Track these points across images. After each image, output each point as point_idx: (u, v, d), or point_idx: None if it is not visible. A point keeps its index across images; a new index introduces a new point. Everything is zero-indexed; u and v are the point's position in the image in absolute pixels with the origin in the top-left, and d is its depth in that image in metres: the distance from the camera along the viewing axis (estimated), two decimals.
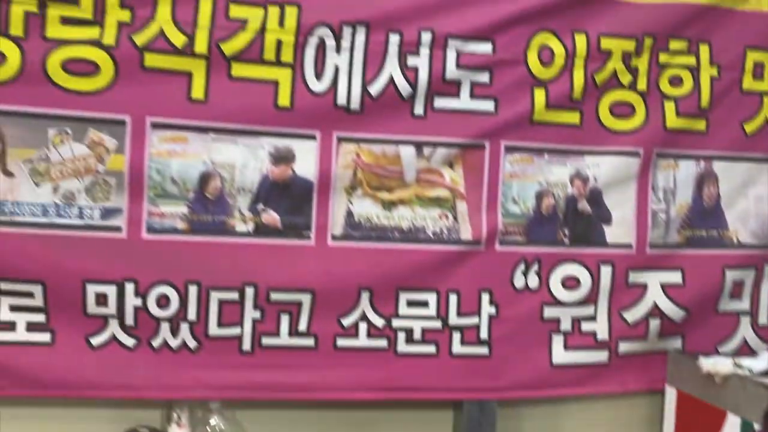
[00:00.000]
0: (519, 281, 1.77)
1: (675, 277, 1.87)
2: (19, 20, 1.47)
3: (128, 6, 1.51)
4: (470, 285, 1.75)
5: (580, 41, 1.75)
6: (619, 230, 1.84)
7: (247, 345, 1.64)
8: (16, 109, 1.50)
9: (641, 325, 1.86)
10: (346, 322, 1.69)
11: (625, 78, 1.80)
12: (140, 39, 1.52)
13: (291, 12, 1.58)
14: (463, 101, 1.73)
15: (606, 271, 1.81)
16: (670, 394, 1.83)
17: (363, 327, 1.70)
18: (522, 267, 1.78)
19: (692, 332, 1.92)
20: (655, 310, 1.86)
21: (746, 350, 1.90)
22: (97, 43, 1.50)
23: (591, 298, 1.81)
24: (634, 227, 1.85)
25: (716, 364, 1.65)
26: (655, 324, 1.86)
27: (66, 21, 1.49)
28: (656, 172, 1.87)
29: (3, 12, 1.47)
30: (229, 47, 1.56)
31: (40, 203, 1.54)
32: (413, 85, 1.68)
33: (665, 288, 1.86)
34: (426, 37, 1.66)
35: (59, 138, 1.54)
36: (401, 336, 1.73)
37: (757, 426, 1.50)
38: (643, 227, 1.86)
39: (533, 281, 1.78)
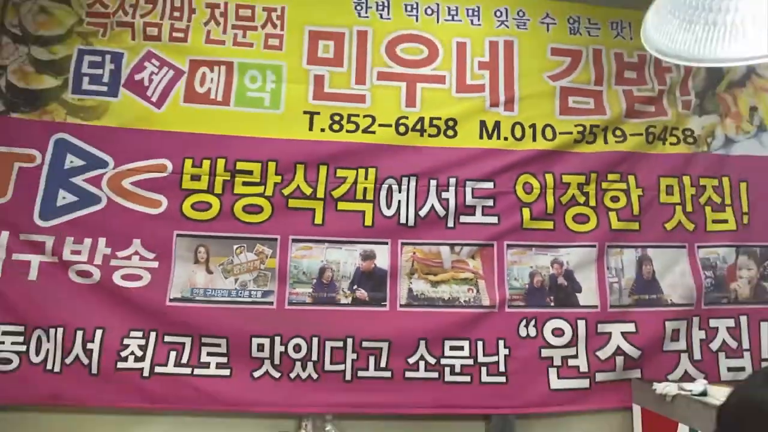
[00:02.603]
0: (523, 332, 2.05)
1: (630, 327, 2.12)
2: (219, 184, 2.05)
3: (280, 173, 2.07)
4: (491, 335, 2.04)
5: (549, 178, 2.17)
6: (588, 296, 2.14)
7: (348, 376, 1.96)
8: (217, 234, 2.03)
9: (611, 361, 2.09)
10: (411, 360, 1.99)
11: (581, 198, 2.18)
12: (286, 191, 2.06)
13: (371, 171, 2.11)
14: (478, 217, 2.14)
15: (581, 324, 2.09)
16: (636, 410, 2.04)
17: (422, 364, 1.99)
18: (524, 322, 2.06)
19: (647, 365, 2.12)
20: (619, 351, 2.09)
21: (687, 378, 2.09)
22: (262, 195, 2.05)
23: (573, 343, 2.07)
24: (597, 294, 2.14)
25: (666, 388, 1.88)
26: (620, 360, 2.09)
27: (245, 183, 2.06)
28: (608, 257, 2.19)
29: (211, 181, 2.03)
30: (336, 193, 2.08)
31: (226, 289, 2.00)
32: (446, 209, 2.11)
33: (624, 335, 2.11)
34: (452, 180, 2.13)
35: (239, 250, 2.03)
36: (447, 370, 2.00)
37: None
38: (603, 294, 2.14)
39: (532, 332, 2.06)
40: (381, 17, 2.26)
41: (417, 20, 2.27)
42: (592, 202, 2.21)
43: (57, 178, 2.00)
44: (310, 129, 2.13)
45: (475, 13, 2.31)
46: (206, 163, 2.06)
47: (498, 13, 2.32)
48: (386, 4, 2.27)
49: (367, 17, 2.25)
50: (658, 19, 1.14)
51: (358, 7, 2.26)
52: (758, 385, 0.93)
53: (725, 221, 2.27)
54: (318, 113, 2.14)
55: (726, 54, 1.08)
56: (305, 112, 2.14)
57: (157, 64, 2.14)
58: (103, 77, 2.10)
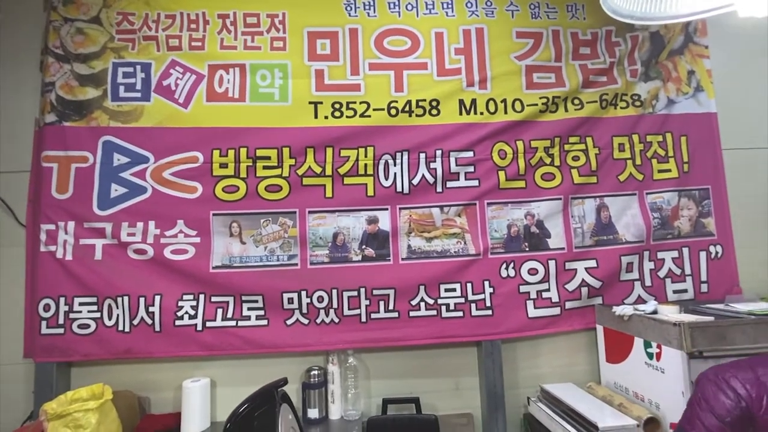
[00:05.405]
0: (504, 273, 2.22)
1: (592, 263, 2.29)
2: (244, 170, 2.17)
3: (293, 156, 2.17)
4: (477, 277, 2.20)
5: (520, 144, 2.30)
6: (556, 240, 2.29)
7: (363, 318, 2.13)
8: (246, 211, 2.17)
9: (577, 292, 2.25)
10: (413, 302, 2.16)
11: (547, 159, 2.31)
12: (300, 171, 2.18)
13: (370, 149, 2.22)
14: (462, 182, 2.27)
15: (552, 264, 2.26)
16: (599, 330, 2.21)
17: (422, 305, 2.16)
18: (504, 265, 2.23)
19: (607, 293, 2.28)
20: (584, 283, 2.26)
21: (640, 301, 2.26)
22: (280, 176, 2.17)
23: (545, 279, 2.23)
24: (564, 238, 2.29)
25: (623, 310, 2.02)
26: (585, 290, 2.25)
27: (265, 167, 2.17)
28: (572, 207, 2.33)
29: (236, 167, 2.14)
30: (342, 170, 2.20)
31: (258, 255, 2.16)
32: (435, 177, 2.24)
33: (588, 270, 2.28)
34: (438, 152, 2.24)
35: (265, 222, 2.17)
36: (443, 308, 2.15)
37: (654, 344, 1.74)
38: (569, 237, 2.29)
39: (511, 272, 2.23)
40: (368, 15, 2.35)
41: (399, 16, 2.37)
42: (557, 162, 2.34)
43: (108, 174, 2.14)
44: (315, 117, 2.23)
45: (449, 6, 2.40)
46: (231, 153, 2.18)
47: (469, 4, 2.42)
48: (372, 3, 2.37)
49: (356, 16, 2.34)
50: None
51: (348, 8, 2.35)
52: None
53: (669, 170, 2.41)
54: (321, 103, 2.24)
55: (674, 11, 1.05)
56: (310, 103, 2.24)
57: (181, 70, 2.24)
58: (136, 85, 2.21)
